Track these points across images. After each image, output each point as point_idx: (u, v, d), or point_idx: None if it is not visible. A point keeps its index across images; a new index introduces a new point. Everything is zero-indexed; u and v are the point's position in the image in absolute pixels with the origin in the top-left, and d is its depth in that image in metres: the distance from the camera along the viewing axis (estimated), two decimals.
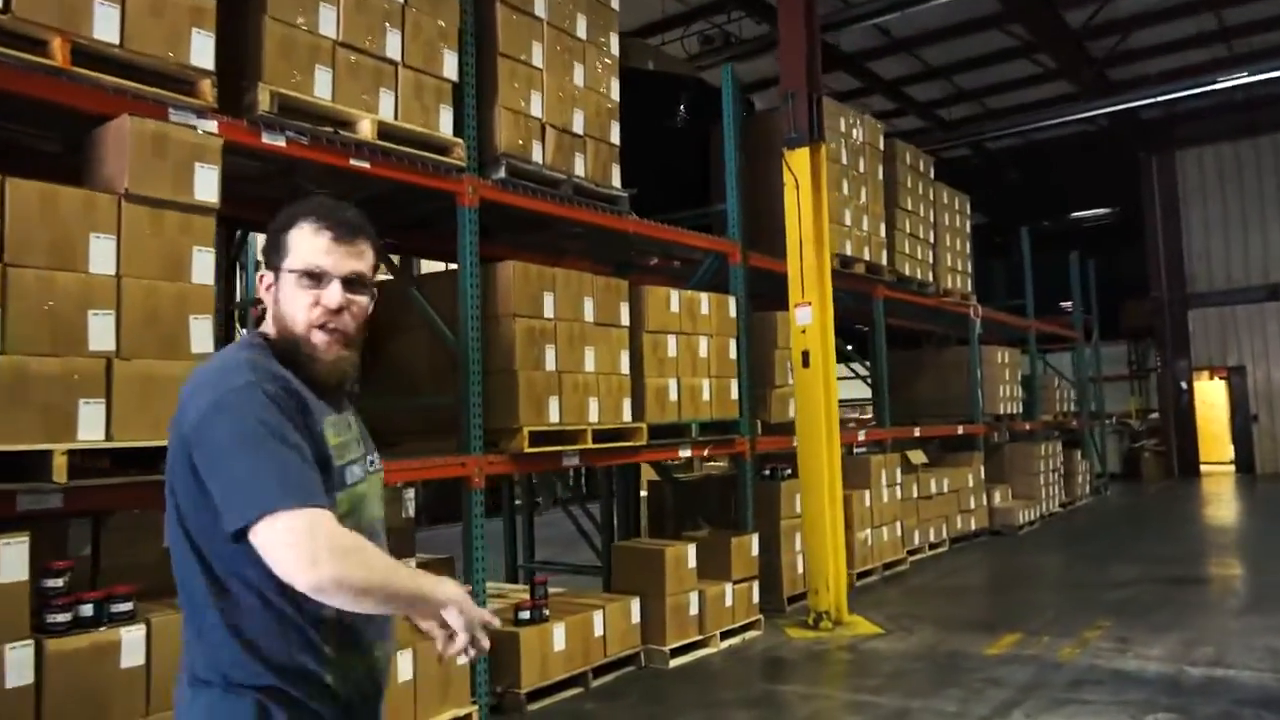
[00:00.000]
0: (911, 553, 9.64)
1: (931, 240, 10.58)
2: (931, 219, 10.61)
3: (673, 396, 6.31)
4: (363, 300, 1.74)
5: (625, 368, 5.94)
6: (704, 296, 6.65)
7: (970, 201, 11.64)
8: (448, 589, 1.60)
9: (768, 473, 7.84)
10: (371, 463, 1.81)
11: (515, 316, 5.19)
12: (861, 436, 9.16)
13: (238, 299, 6.66)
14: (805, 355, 6.96)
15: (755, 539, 6.82)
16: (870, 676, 5.65)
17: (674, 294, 6.37)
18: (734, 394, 6.90)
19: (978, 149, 20.60)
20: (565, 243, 7.16)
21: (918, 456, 10.06)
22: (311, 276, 1.69)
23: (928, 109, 17.77)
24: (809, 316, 6.96)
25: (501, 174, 5.24)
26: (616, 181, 6.07)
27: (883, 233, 9.36)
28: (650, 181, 8.21)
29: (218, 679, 1.61)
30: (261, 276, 1.75)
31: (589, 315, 5.67)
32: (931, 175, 10.68)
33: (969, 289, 11.48)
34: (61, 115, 3.58)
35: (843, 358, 9.62)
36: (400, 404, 5.66)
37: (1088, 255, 16.71)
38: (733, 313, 6.95)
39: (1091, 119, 17.86)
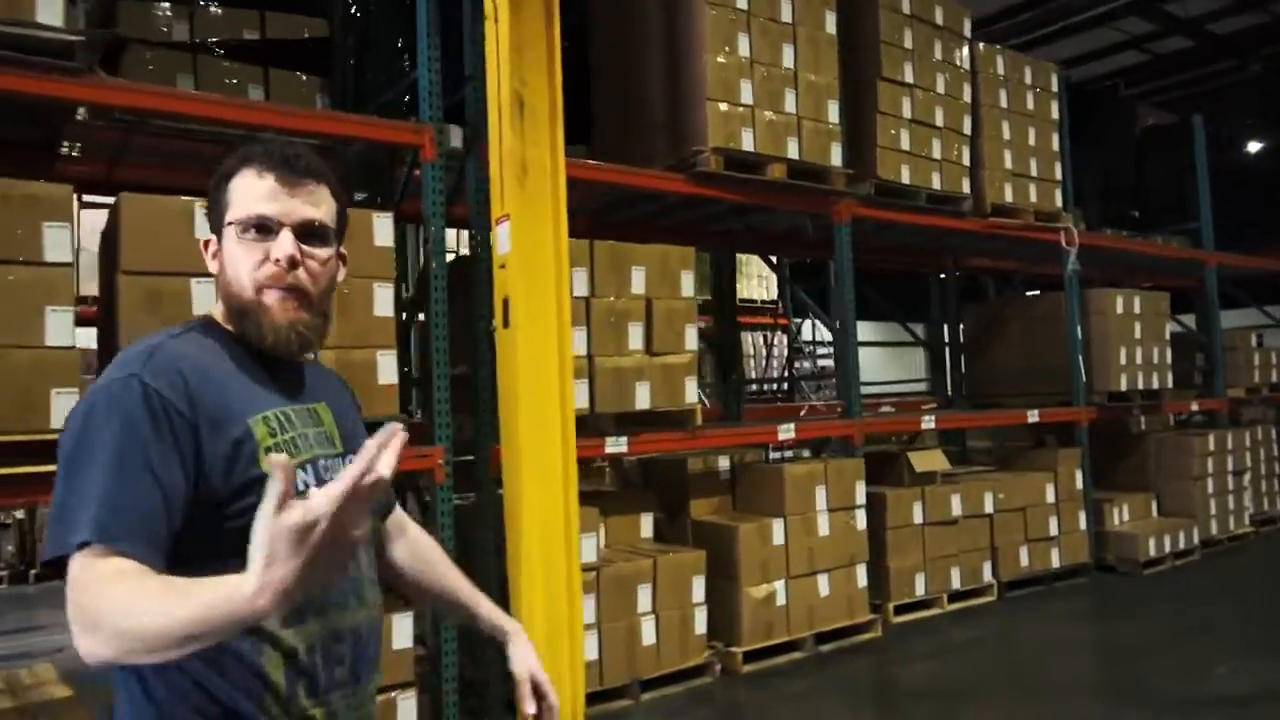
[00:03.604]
0: (907, 609, 6.27)
1: (968, 131, 6.95)
2: (967, 98, 6.97)
3: None
4: (322, 254, 1.41)
5: (62, 336, 3.44)
6: None
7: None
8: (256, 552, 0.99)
9: None
10: (346, 460, 1.42)
11: None
12: (786, 434, 5.87)
13: None
14: (505, 307, 4.05)
15: (407, 619, 4.04)
16: None
17: (201, 206, 3.73)
18: (388, 376, 4.14)
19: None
20: None
21: (928, 460, 6.57)
22: (258, 228, 1.37)
23: (1197, 26, 13.46)
24: (507, 241, 4.04)
25: None
26: (54, 16, 3.52)
27: (833, 116, 6.01)
28: None
29: None
30: (206, 243, 1.43)
31: None
32: (966, 30, 7.02)
33: (1058, 204, 7.62)
34: None
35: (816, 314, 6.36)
36: None
37: None
38: (385, 239, 4.16)
39: None
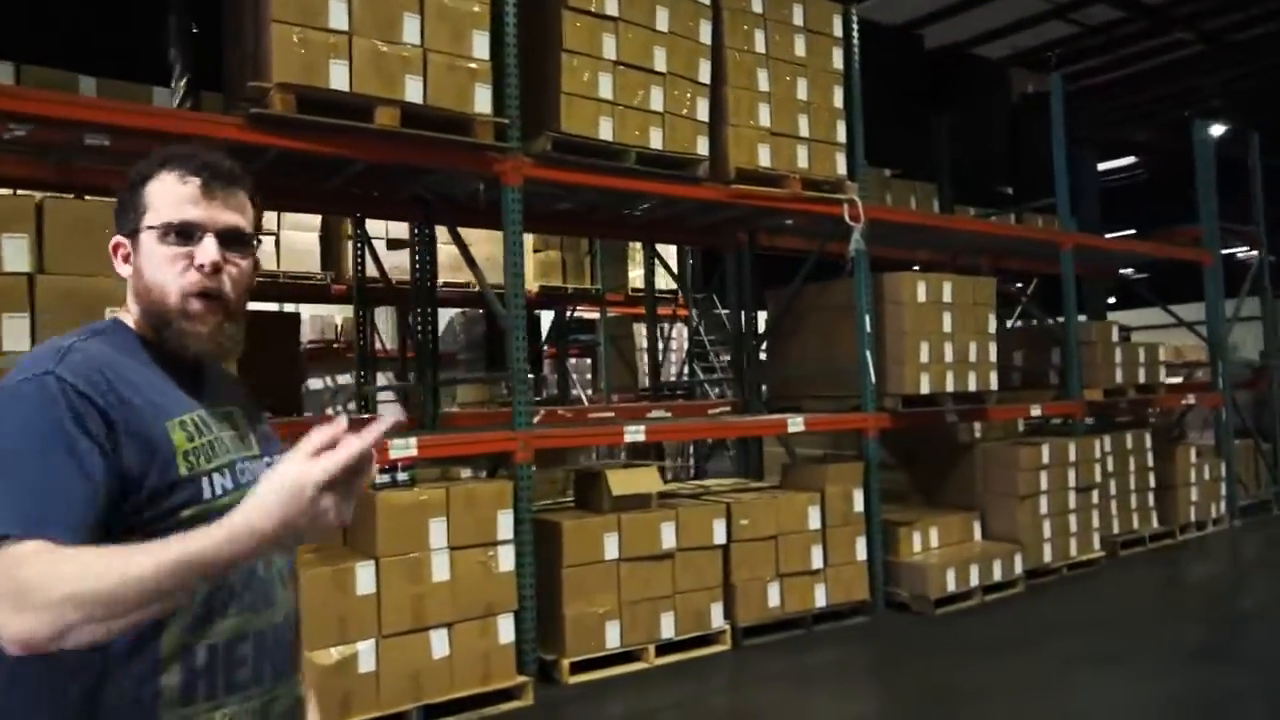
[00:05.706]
0: (593, 665, 5.06)
1: (706, 79, 5.71)
2: (706, 39, 5.72)
3: None
4: (244, 261, 1.40)
5: None
6: None
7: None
8: (263, 509, 1.08)
9: None
10: (268, 465, 1.40)
11: None
12: (401, 453, 4.61)
13: None
14: None
15: None
16: None
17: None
18: None
19: (1216, 42, 14.02)
20: None
21: (633, 481, 5.34)
22: (180, 233, 1.36)
23: None
24: None
25: None
26: None
27: (479, 50, 4.78)
28: None
29: None
30: (116, 246, 1.41)
31: None
32: None
33: (840, 172, 6.36)
34: None
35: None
36: None
37: None
38: None
39: None
